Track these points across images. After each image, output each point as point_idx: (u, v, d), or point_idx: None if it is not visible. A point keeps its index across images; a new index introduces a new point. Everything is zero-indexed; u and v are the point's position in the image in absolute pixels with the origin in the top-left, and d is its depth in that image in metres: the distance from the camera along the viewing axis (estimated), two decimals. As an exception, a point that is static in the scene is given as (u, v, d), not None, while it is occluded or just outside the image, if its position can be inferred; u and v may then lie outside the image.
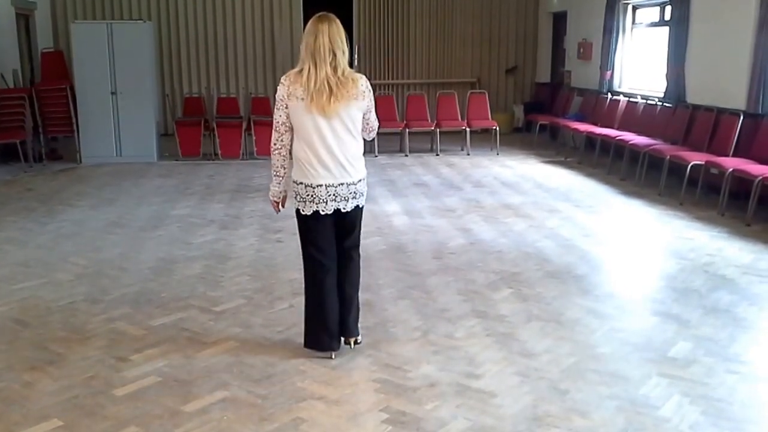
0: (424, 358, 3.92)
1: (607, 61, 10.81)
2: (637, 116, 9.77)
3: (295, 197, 3.80)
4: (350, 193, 3.77)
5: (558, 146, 11.37)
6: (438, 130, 11.17)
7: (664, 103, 9.22)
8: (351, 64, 3.74)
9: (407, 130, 11.17)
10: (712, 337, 4.21)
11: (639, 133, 9.30)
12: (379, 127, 4.04)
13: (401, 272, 5.42)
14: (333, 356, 3.91)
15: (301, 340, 4.15)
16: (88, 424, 3.24)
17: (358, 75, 3.71)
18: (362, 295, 4.86)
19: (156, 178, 9.26)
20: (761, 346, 4.17)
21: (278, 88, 3.71)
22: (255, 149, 10.63)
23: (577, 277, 5.32)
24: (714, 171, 7.52)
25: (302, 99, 3.60)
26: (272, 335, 4.24)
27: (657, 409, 3.37)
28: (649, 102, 9.67)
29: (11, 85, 10.41)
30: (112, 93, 10.23)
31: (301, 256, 3.94)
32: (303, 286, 3.95)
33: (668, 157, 8.05)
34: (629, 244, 6.38)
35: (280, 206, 3.99)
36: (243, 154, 10.65)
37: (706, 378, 3.69)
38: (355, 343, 4.01)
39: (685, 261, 5.71)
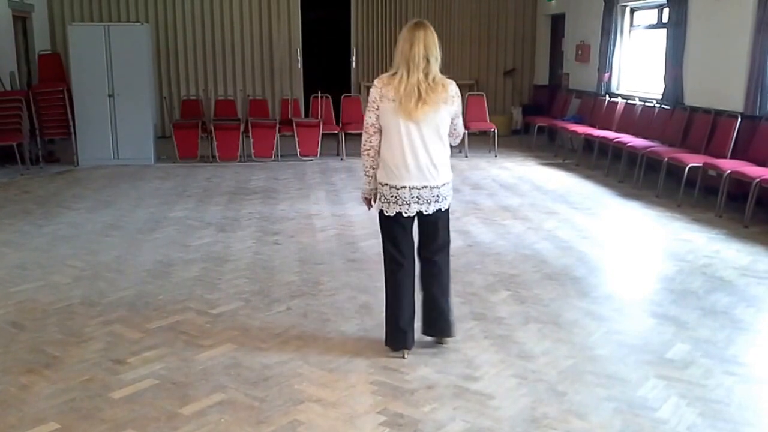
0: (421, 360, 3.91)
1: (605, 63, 10.82)
2: (635, 118, 9.78)
3: (379, 198, 3.86)
4: (433, 197, 3.81)
5: (556, 148, 11.38)
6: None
7: (662, 105, 9.23)
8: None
9: (405, 132, 11.16)
10: (710, 339, 4.21)
11: (637, 135, 9.31)
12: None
13: (399, 274, 5.40)
14: (405, 356, 3.92)
15: (298, 342, 4.16)
16: (85, 428, 3.23)
17: (449, 81, 3.79)
18: (360, 297, 4.89)
19: (153, 181, 9.25)
20: (759, 347, 4.17)
21: (371, 90, 3.80)
22: (253, 151, 10.63)
23: (575, 279, 5.32)
24: (712, 173, 7.53)
25: (393, 101, 3.69)
26: (270, 338, 4.23)
27: (654, 411, 3.37)
28: (647, 104, 9.67)
29: (8, 88, 10.39)
30: (109, 95, 10.21)
31: (383, 258, 3.98)
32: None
33: (666, 158, 8.06)
34: (627, 245, 6.38)
35: (371, 202, 4.02)
36: (241, 156, 10.64)
37: (704, 380, 3.69)
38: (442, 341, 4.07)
39: (683, 263, 5.71)
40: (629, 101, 10.15)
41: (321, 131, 10.85)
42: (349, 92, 12.86)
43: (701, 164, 7.57)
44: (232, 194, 8.42)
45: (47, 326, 4.42)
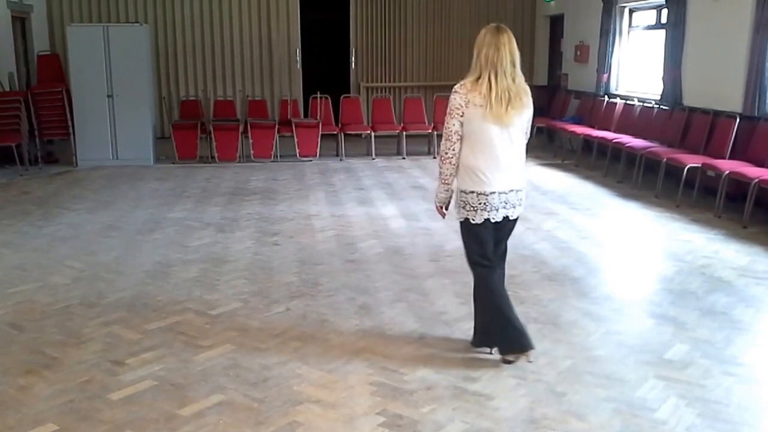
0: (420, 361, 3.91)
1: (603, 64, 10.82)
2: (634, 119, 9.78)
3: (464, 207, 3.77)
4: (518, 200, 3.79)
5: (555, 149, 11.38)
6: (435, 132, 11.17)
7: (661, 106, 9.23)
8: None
9: (404, 132, 11.18)
10: (709, 339, 4.21)
11: (636, 135, 9.31)
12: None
13: (398, 275, 5.41)
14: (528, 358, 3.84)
15: (297, 342, 4.15)
16: (84, 429, 3.23)
17: (526, 84, 3.76)
18: (359, 298, 4.90)
19: (152, 182, 9.25)
20: (758, 347, 4.17)
21: (452, 96, 3.69)
22: (252, 152, 10.63)
23: (574, 279, 5.32)
24: (711, 173, 7.53)
25: (481, 106, 3.62)
26: (269, 338, 4.23)
27: (653, 412, 3.37)
28: (645, 104, 9.68)
29: (7, 88, 10.39)
30: (108, 96, 10.21)
31: (471, 269, 3.92)
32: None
33: (665, 159, 8.06)
34: (626, 246, 6.38)
35: (444, 210, 3.96)
36: (240, 157, 10.64)
37: (703, 380, 3.69)
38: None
39: (681, 263, 5.71)
40: (628, 102, 10.15)
41: (320, 132, 10.85)
42: (349, 93, 12.86)
43: (700, 165, 7.58)
44: (231, 195, 8.42)
45: (46, 327, 4.41)
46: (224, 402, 3.47)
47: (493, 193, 3.71)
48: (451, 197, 3.90)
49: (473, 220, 3.76)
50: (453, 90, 3.71)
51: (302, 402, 3.47)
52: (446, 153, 3.75)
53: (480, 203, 3.72)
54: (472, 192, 3.72)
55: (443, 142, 3.76)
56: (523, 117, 3.74)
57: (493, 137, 3.67)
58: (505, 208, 3.75)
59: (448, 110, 3.72)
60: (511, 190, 3.75)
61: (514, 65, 3.67)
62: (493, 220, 3.75)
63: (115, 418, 3.31)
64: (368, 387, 3.62)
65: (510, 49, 3.65)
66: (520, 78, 3.71)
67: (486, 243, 3.83)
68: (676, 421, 3.28)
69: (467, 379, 3.70)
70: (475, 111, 3.64)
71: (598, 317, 4.56)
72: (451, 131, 3.70)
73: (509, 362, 3.82)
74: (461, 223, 3.84)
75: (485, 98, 3.62)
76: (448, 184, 3.83)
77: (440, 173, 3.83)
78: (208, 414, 3.36)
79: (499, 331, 3.86)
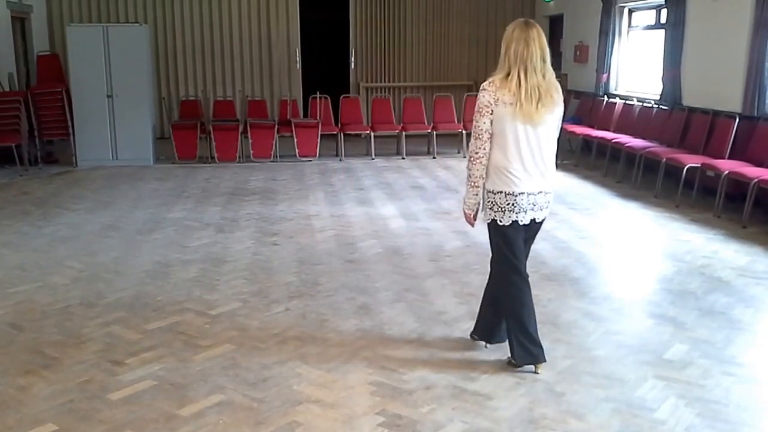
0: (419, 361, 3.91)
1: (603, 64, 10.83)
2: (634, 119, 9.79)
3: (491, 207, 3.66)
4: (546, 203, 3.69)
5: (554, 149, 11.38)
6: (434, 132, 11.18)
7: (661, 106, 9.23)
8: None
9: (404, 132, 11.18)
10: (708, 340, 4.21)
11: (635, 135, 9.32)
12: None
13: (397, 275, 5.41)
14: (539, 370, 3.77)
15: (297, 342, 4.15)
16: (84, 429, 3.23)
17: (556, 81, 3.66)
18: (358, 298, 4.90)
19: (152, 182, 9.25)
20: (757, 348, 4.17)
21: (481, 94, 3.58)
22: (251, 152, 10.63)
23: (573, 279, 5.32)
24: (710, 173, 7.53)
25: (510, 104, 3.51)
26: (268, 338, 4.23)
27: (653, 412, 3.37)
28: (645, 105, 9.68)
29: (7, 89, 10.39)
30: (108, 96, 10.22)
31: (498, 271, 3.83)
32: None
33: (664, 159, 8.07)
34: (625, 246, 6.39)
35: (473, 219, 3.80)
36: (239, 157, 10.64)
37: (702, 380, 3.69)
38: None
39: (681, 263, 5.71)
40: (627, 102, 10.16)
41: (320, 132, 10.85)
42: (348, 93, 12.86)
43: (699, 164, 7.58)
44: (231, 195, 8.42)
45: (46, 327, 4.42)
46: (224, 402, 3.47)
47: (522, 194, 3.60)
48: (479, 202, 3.76)
49: (500, 221, 3.66)
50: (481, 87, 3.61)
51: (302, 402, 3.47)
52: (476, 152, 3.61)
53: (508, 203, 3.62)
54: (500, 192, 3.62)
55: (473, 141, 3.63)
56: (554, 115, 3.61)
57: (523, 136, 3.55)
58: (532, 210, 3.65)
59: (476, 108, 3.61)
60: (540, 192, 3.64)
61: (544, 61, 3.56)
62: (521, 223, 3.66)
63: (114, 418, 3.32)
64: (367, 387, 3.62)
65: (540, 45, 3.54)
66: (551, 74, 3.60)
67: (517, 246, 3.72)
68: (675, 421, 3.28)
69: (466, 378, 3.70)
70: (505, 109, 3.52)
71: (598, 317, 4.56)
72: (482, 130, 3.58)
73: (515, 366, 3.80)
74: (488, 225, 3.75)
75: (515, 96, 3.51)
76: (477, 186, 3.67)
77: (469, 175, 3.67)
78: (208, 414, 3.36)
79: (517, 341, 3.78)
